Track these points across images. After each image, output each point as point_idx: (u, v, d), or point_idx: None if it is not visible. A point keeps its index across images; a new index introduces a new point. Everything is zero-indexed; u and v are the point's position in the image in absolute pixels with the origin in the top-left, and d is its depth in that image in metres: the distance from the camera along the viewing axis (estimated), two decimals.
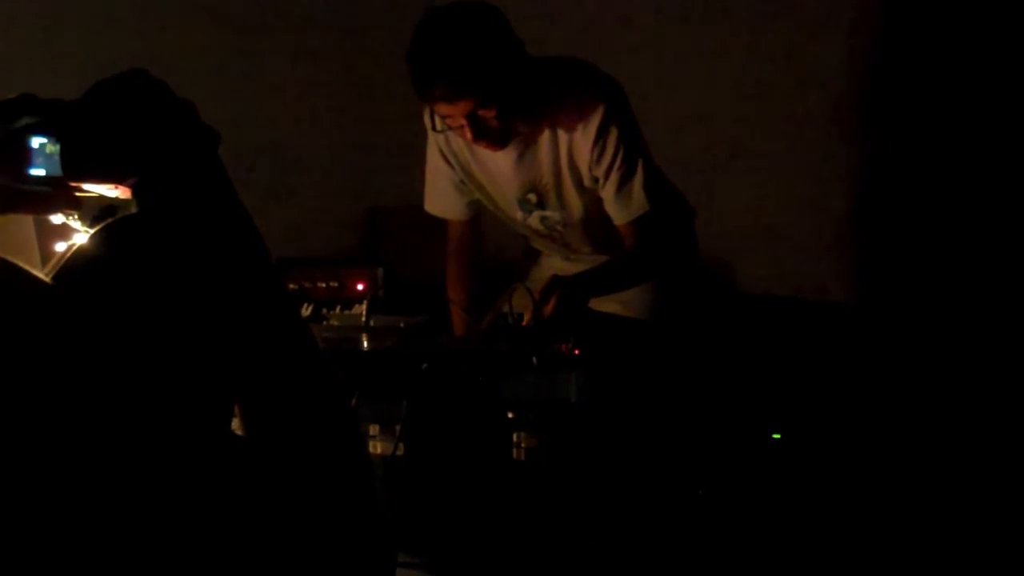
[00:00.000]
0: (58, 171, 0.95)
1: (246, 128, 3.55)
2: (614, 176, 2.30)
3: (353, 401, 1.81)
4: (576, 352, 1.98)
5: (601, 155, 2.28)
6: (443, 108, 2.19)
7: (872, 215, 3.49)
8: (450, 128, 2.26)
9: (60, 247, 1.00)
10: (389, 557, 1.04)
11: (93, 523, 0.78)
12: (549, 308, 2.08)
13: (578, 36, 3.69)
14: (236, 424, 0.95)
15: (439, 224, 2.62)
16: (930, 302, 3.27)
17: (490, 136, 2.22)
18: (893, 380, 2.77)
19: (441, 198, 2.56)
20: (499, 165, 2.38)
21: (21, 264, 0.82)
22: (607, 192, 2.32)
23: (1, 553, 0.74)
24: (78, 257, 0.94)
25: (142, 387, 0.85)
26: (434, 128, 2.33)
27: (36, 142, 0.95)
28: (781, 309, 3.34)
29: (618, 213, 2.34)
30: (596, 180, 2.33)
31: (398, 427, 1.83)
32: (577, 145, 2.30)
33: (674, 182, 2.62)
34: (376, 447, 1.86)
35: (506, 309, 2.12)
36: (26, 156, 0.95)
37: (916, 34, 3.33)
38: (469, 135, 2.20)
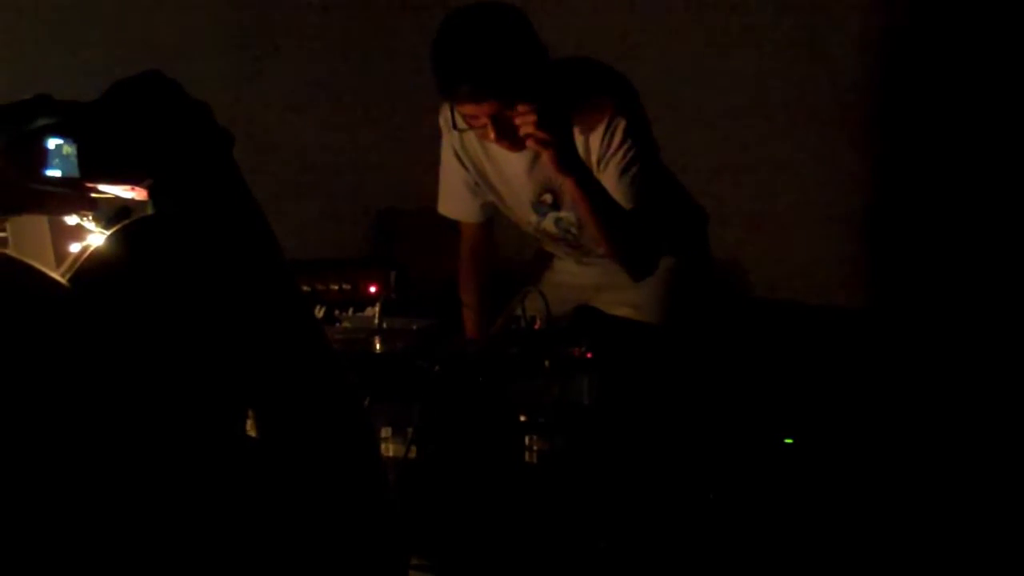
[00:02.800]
0: (74, 172, 0.95)
1: (257, 129, 3.55)
2: (613, 163, 2.27)
3: (366, 403, 1.81)
4: (588, 355, 1.98)
5: (608, 146, 2.27)
6: (467, 108, 2.17)
7: (882, 218, 3.48)
8: (471, 127, 2.24)
9: (75, 248, 1.00)
10: (401, 560, 1.04)
11: (107, 524, 0.78)
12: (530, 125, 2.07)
13: (583, 36, 3.69)
14: (250, 426, 0.95)
15: (452, 226, 2.61)
16: (940, 306, 3.25)
17: (512, 136, 2.21)
18: (904, 384, 2.76)
19: (455, 200, 2.56)
20: (513, 168, 2.38)
21: (37, 265, 0.82)
22: (606, 178, 2.29)
23: (15, 554, 0.74)
24: (94, 259, 0.94)
25: (157, 389, 0.85)
26: (454, 126, 2.30)
27: (52, 143, 0.95)
28: (791, 313, 3.34)
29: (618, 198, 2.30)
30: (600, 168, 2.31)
31: (410, 430, 1.82)
32: (590, 144, 2.29)
33: (686, 185, 2.62)
34: (388, 449, 1.86)
35: (519, 312, 2.12)
36: (42, 157, 0.95)
37: (926, 35, 3.32)
38: (492, 134, 2.18)
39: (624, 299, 2.44)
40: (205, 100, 0.96)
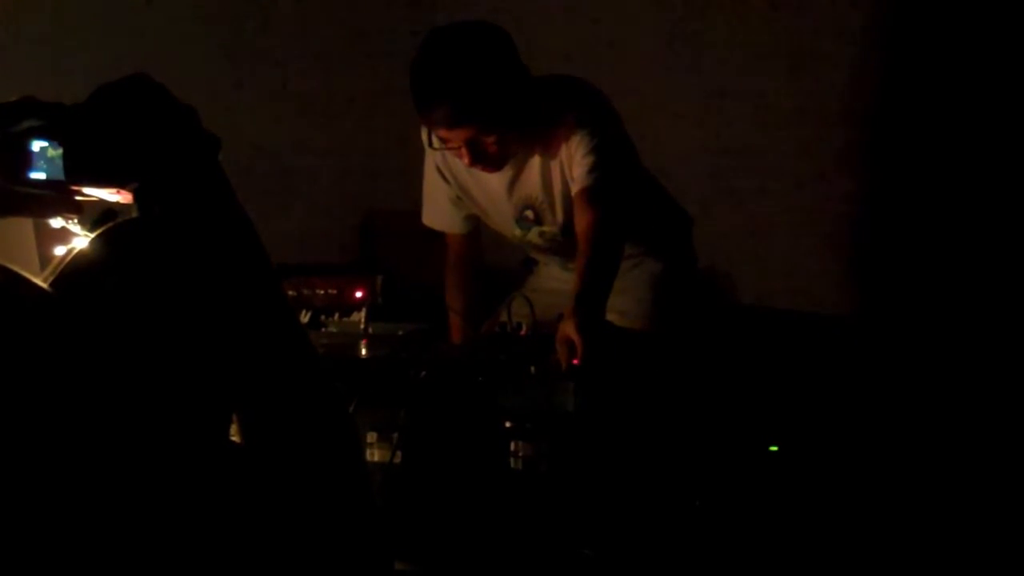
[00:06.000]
0: (59, 175, 0.95)
1: (244, 134, 3.55)
2: (576, 170, 2.25)
3: (351, 408, 1.81)
4: (574, 361, 1.98)
5: (571, 158, 2.25)
6: (443, 132, 2.17)
7: (870, 226, 3.49)
8: (447, 148, 2.24)
9: (59, 251, 1.00)
10: (386, 565, 1.04)
11: (91, 530, 0.77)
12: (579, 356, 2.02)
13: (576, 42, 3.69)
14: (234, 431, 0.95)
15: (438, 232, 2.61)
16: (928, 313, 3.26)
17: (487, 160, 2.21)
18: (890, 392, 2.76)
19: (439, 212, 2.55)
20: (493, 187, 2.38)
21: (19, 270, 0.82)
22: (574, 162, 2.25)
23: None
24: (77, 262, 0.93)
25: (140, 394, 0.85)
26: (430, 145, 2.31)
27: (37, 146, 0.95)
28: (778, 320, 3.34)
29: (577, 180, 2.26)
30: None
31: (396, 435, 1.82)
32: (563, 157, 2.28)
33: (671, 191, 2.62)
34: (373, 455, 1.85)
35: (505, 318, 2.12)
36: (27, 159, 0.95)
37: (919, 46, 3.33)
38: (467, 159, 2.19)
39: (610, 305, 2.44)
40: (190, 104, 0.95)
